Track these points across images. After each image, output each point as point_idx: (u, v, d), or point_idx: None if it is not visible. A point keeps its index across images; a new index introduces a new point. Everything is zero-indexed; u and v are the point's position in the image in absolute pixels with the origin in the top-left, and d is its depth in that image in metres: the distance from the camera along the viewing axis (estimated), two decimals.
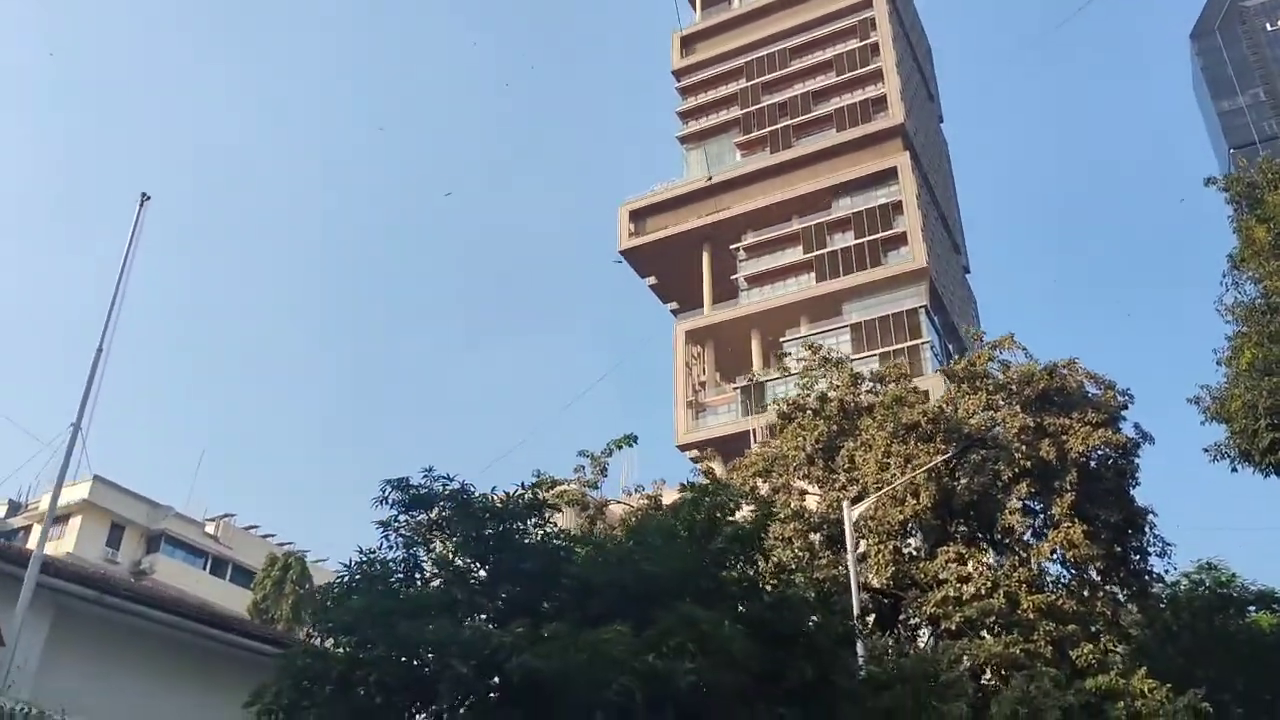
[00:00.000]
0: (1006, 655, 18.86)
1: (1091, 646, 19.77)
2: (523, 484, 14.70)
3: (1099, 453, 22.72)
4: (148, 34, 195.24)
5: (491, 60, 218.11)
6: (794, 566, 19.75)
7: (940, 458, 21.03)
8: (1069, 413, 22.69)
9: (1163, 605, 25.00)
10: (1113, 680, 18.82)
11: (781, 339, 78.81)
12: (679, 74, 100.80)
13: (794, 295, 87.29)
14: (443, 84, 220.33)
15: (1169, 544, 24.57)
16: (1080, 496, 21.80)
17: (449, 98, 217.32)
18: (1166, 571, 25.47)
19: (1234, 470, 22.60)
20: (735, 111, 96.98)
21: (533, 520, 14.87)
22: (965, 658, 19.09)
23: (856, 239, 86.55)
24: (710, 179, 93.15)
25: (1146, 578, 23.19)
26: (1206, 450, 23.72)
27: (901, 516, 21.53)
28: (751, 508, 18.03)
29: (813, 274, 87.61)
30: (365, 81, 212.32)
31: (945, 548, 21.64)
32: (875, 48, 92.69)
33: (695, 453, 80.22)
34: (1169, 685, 18.93)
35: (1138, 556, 23.00)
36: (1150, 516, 23.61)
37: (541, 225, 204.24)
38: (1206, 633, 24.66)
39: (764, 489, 23.83)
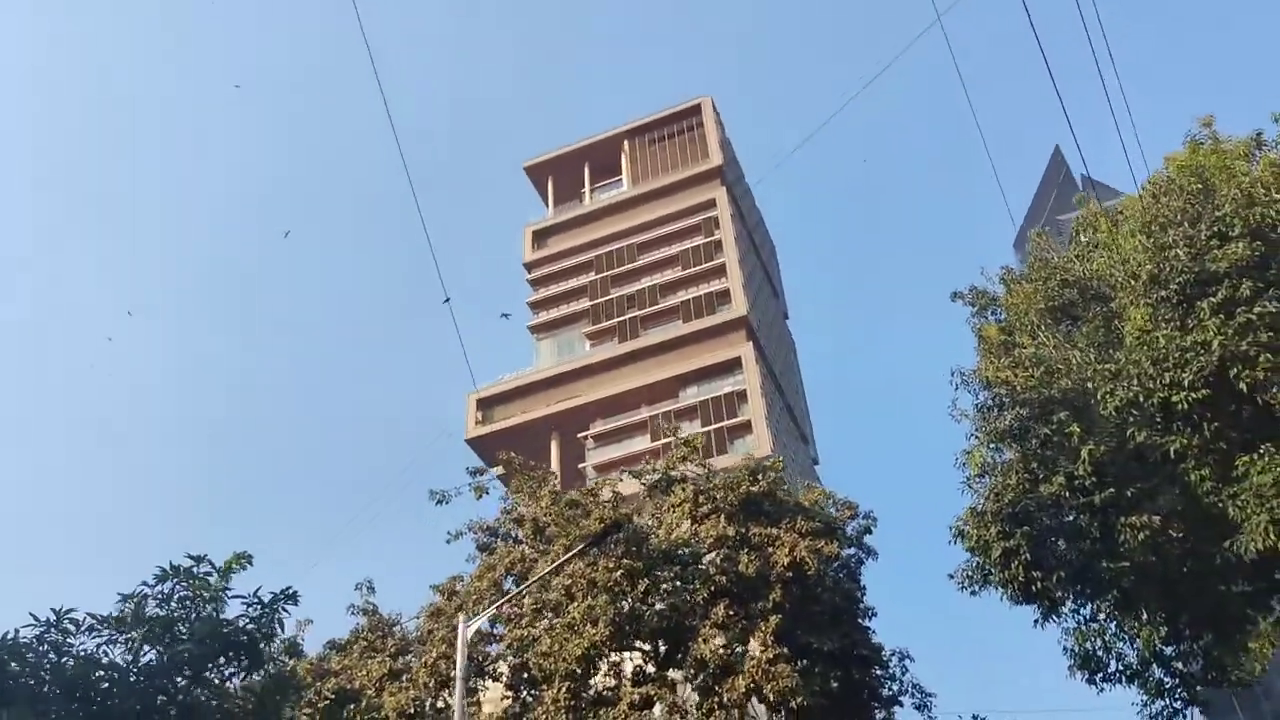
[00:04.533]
0: None
1: None
2: None
3: (818, 571, 19.33)
4: None
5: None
6: (413, 711, 15.52)
7: (571, 553, 17.34)
8: (778, 522, 19.47)
9: None
10: None
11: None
12: (530, 266, 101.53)
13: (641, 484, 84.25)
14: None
15: (928, 694, 21.03)
16: (795, 621, 18.23)
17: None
18: None
19: (973, 594, 19.53)
20: (585, 303, 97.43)
21: None
22: None
23: (703, 427, 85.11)
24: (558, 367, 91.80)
25: None
26: (952, 576, 20.76)
27: (579, 651, 17.48)
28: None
29: (661, 462, 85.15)
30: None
31: (634, 689, 17.59)
32: (719, 244, 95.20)
33: None
34: None
35: (875, 703, 19.25)
36: (898, 655, 20.14)
37: (392, 415, 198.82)
38: None
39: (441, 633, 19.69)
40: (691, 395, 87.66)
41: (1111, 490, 18.63)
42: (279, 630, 11.00)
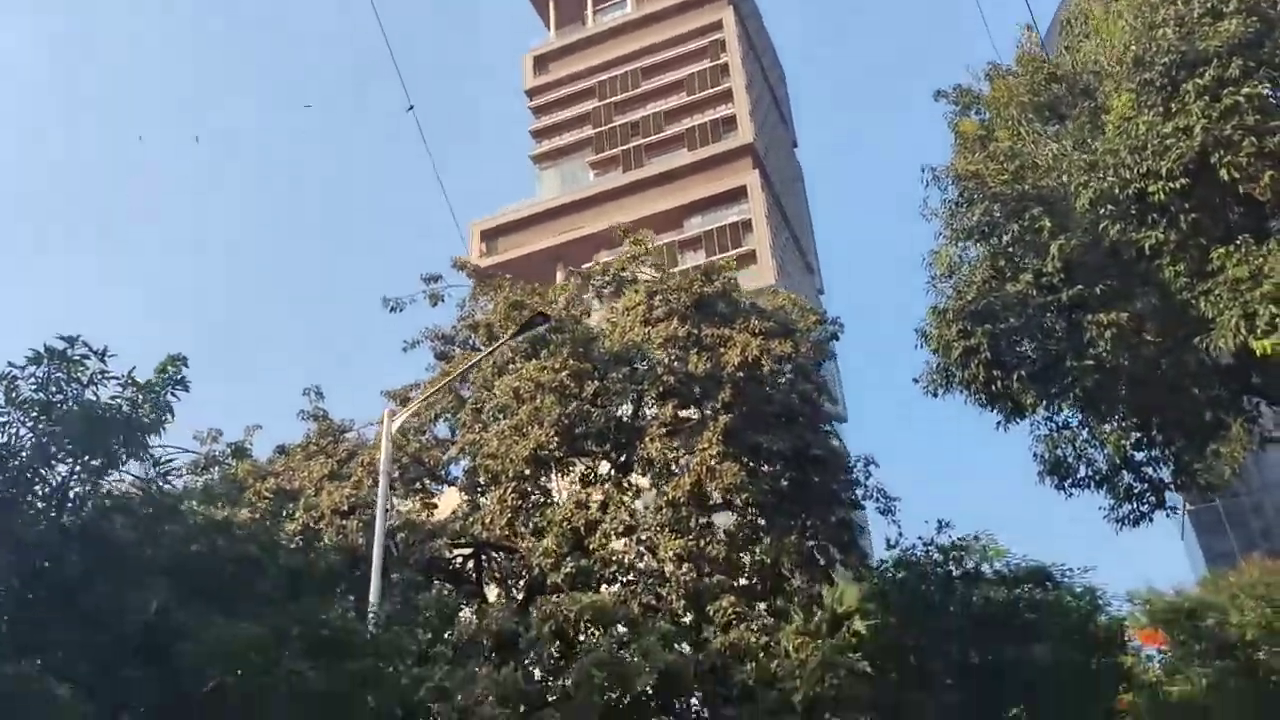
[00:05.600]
0: (600, 609, 14.66)
1: (731, 600, 15.77)
2: None
3: (771, 371, 18.93)
4: None
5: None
6: (348, 508, 15.55)
7: (495, 345, 17.02)
8: (732, 323, 18.96)
9: (878, 564, 21.32)
10: (744, 635, 14.84)
11: None
12: (531, 93, 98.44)
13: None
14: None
15: (892, 499, 21.01)
16: (747, 421, 17.96)
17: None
18: (900, 536, 21.97)
19: (935, 396, 19.14)
20: (588, 131, 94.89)
21: None
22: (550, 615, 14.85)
23: (708, 257, 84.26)
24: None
25: (842, 526, 19.42)
26: (916, 380, 20.35)
27: (525, 452, 17.36)
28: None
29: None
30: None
31: (584, 489, 17.58)
32: (725, 69, 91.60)
33: None
34: (819, 640, 15.04)
35: (835, 504, 19.21)
36: (863, 461, 20.01)
37: (393, 249, 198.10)
38: (921, 597, 20.90)
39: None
40: (696, 225, 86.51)
41: (1080, 287, 17.85)
42: (169, 417, 10.62)
